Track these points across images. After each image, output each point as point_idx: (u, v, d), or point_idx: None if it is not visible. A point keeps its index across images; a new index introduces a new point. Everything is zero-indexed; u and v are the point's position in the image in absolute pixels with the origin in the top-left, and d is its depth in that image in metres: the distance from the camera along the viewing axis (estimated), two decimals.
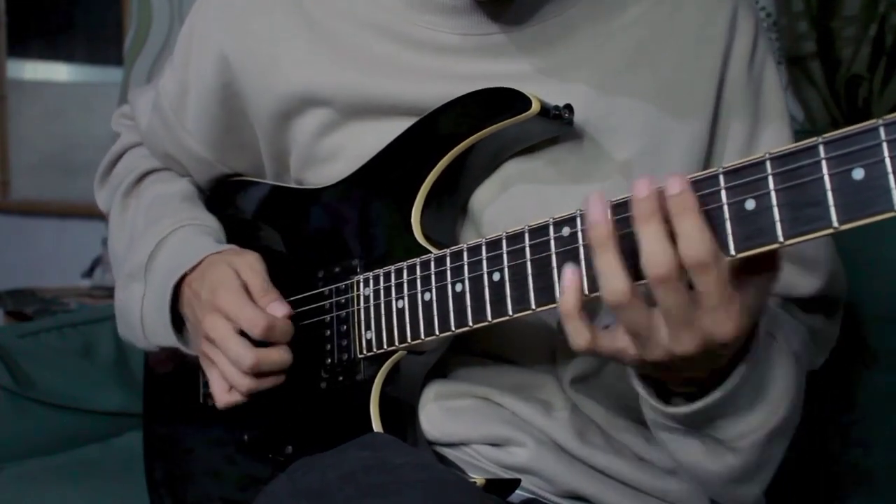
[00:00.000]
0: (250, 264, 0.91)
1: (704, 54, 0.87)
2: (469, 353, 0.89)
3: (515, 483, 0.83)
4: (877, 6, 1.67)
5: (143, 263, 0.97)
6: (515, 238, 0.74)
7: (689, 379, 0.71)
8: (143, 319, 0.97)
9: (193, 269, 0.93)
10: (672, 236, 0.62)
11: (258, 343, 0.87)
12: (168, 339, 0.95)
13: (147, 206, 1.05)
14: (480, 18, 0.86)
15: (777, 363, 0.75)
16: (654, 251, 0.62)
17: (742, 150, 0.87)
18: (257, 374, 0.87)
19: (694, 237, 0.61)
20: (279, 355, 0.88)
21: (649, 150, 0.85)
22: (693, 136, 0.86)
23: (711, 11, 0.88)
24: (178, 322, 0.95)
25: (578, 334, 0.67)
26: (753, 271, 0.64)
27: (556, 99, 0.82)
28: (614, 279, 0.63)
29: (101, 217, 1.17)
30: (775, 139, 0.88)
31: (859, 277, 1.10)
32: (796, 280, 0.91)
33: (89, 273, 2.96)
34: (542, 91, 0.82)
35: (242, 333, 0.87)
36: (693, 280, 0.62)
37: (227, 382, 0.89)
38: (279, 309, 0.88)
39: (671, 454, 0.79)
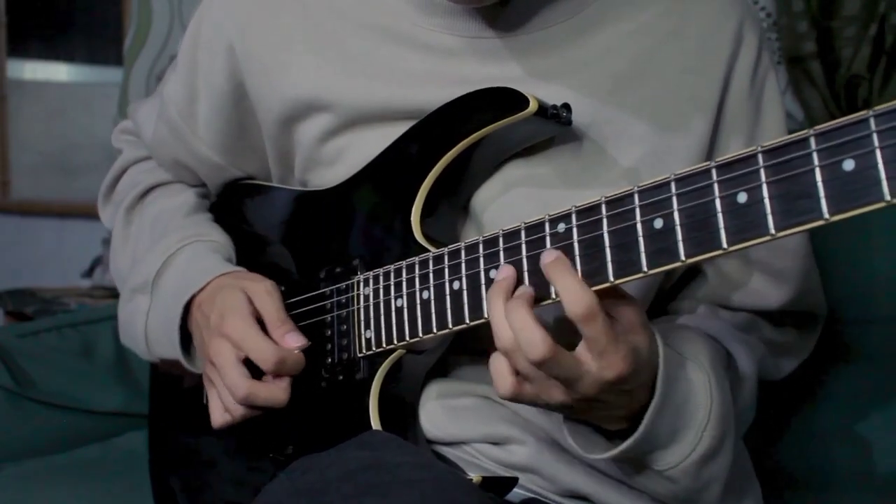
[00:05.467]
0: (267, 291, 0.90)
1: (708, 66, 0.87)
2: (470, 351, 0.89)
3: (513, 481, 0.82)
4: (877, 6, 1.67)
5: (149, 279, 0.97)
6: (512, 235, 0.74)
7: (618, 417, 0.75)
8: (147, 333, 0.97)
9: (202, 289, 0.93)
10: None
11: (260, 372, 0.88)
12: (174, 354, 0.95)
13: (152, 220, 1.05)
14: (480, 22, 0.87)
15: (697, 391, 0.77)
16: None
17: None
18: (251, 405, 0.88)
19: (576, 292, 0.67)
20: (276, 393, 0.87)
21: (652, 157, 0.86)
22: (693, 146, 0.86)
23: (717, 24, 0.88)
24: (185, 339, 0.95)
25: (504, 385, 0.72)
26: (615, 309, 0.70)
27: (558, 101, 0.82)
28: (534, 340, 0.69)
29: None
30: None
31: (839, 280, 1.11)
32: (766, 291, 0.93)
33: (89, 273, 2.96)
34: (543, 94, 0.82)
35: (248, 360, 0.87)
36: (581, 330, 0.68)
37: (222, 404, 0.90)
38: (295, 340, 0.88)
39: (624, 479, 0.85)
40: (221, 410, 0.90)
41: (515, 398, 0.73)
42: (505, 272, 0.72)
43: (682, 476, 0.77)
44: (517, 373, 0.71)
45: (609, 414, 0.75)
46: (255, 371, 0.88)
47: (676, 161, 0.86)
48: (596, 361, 0.69)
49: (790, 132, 0.92)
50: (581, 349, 0.69)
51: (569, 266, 0.69)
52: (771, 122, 0.91)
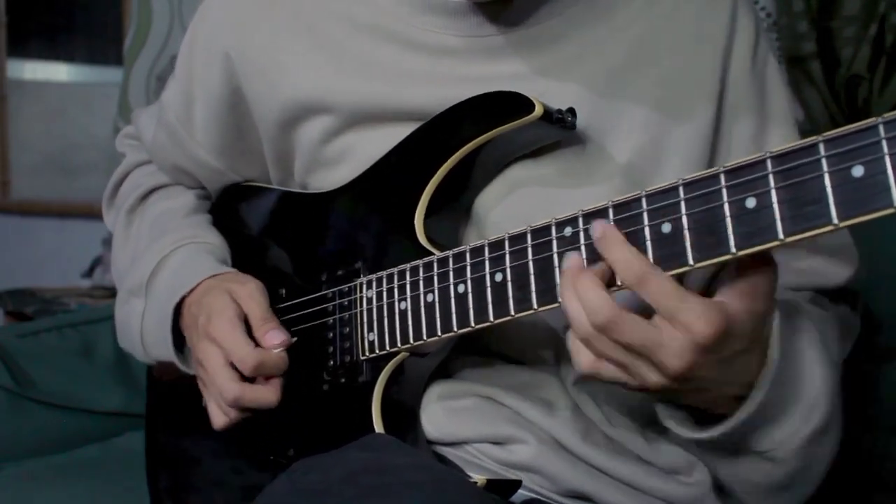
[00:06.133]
0: (251, 293, 0.91)
1: (704, 51, 0.87)
2: (472, 352, 0.89)
3: (517, 484, 0.82)
4: (877, 6, 1.67)
5: (144, 281, 0.98)
6: (518, 239, 0.74)
7: (726, 398, 0.71)
8: (143, 335, 0.98)
9: (192, 291, 0.94)
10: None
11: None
12: (168, 355, 0.96)
13: (151, 222, 1.05)
14: (479, 20, 0.86)
15: (808, 361, 0.74)
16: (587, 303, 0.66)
17: (750, 149, 0.87)
18: (241, 407, 0.88)
19: (625, 260, 0.65)
20: (264, 395, 0.88)
21: (650, 148, 0.85)
22: (695, 134, 0.86)
23: (711, 9, 0.88)
24: (179, 340, 0.95)
25: (584, 359, 0.69)
26: (741, 272, 0.65)
27: (556, 98, 0.82)
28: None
29: (102, 217, 1.18)
30: (781, 141, 0.88)
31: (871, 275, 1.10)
32: (827, 270, 0.91)
33: (89, 273, 2.96)
34: (542, 91, 0.82)
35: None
36: (642, 297, 0.65)
37: (218, 407, 0.91)
38: (276, 337, 0.88)
39: (711, 470, 0.82)
40: (219, 412, 0.91)
41: (595, 374, 0.69)
42: (571, 261, 0.69)
43: (790, 456, 0.74)
44: (598, 356, 0.68)
45: (717, 394, 0.71)
46: None
47: (676, 150, 0.85)
48: (671, 327, 0.65)
49: None
50: (655, 319, 0.66)
51: (618, 238, 0.67)
52: (777, 108, 0.90)
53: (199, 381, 0.93)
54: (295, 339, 0.89)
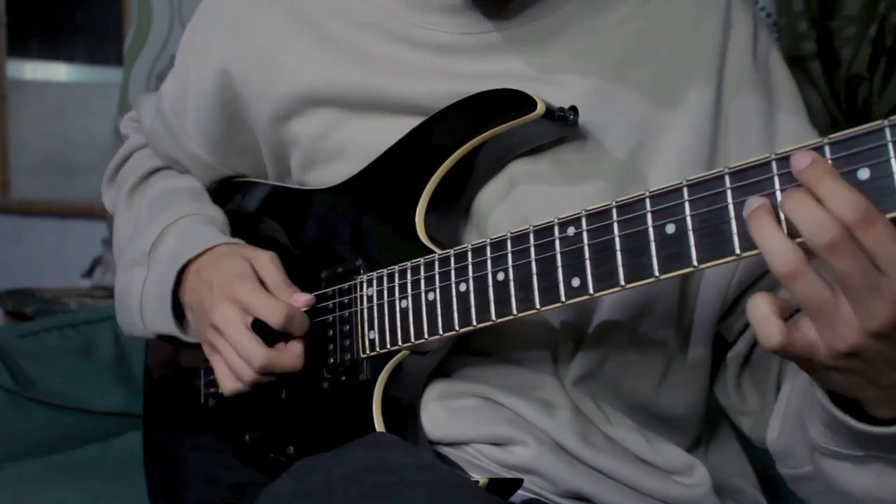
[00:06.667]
0: (271, 259, 0.91)
1: (701, 44, 0.87)
2: (471, 352, 0.89)
3: (518, 483, 0.82)
4: (877, 6, 1.67)
5: (146, 249, 0.98)
6: (520, 238, 0.74)
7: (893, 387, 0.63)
8: (142, 305, 0.97)
9: (199, 256, 0.94)
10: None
11: (272, 335, 0.87)
12: (167, 326, 0.95)
13: (153, 198, 1.05)
14: (477, 17, 0.87)
15: None
16: (816, 218, 0.57)
17: (758, 127, 0.87)
18: (266, 373, 0.88)
19: (846, 195, 0.56)
20: (290, 360, 0.88)
21: (649, 143, 0.85)
22: (694, 125, 0.86)
23: (706, 4, 0.88)
24: (177, 309, 0.95)
25: (772, 333, 0.61)
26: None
27: (555, 95, 0.82)
28: (781, 248, 0.59)
29: (101, 217, 1.18)
30: (793, 126, 0.88)
31: None
32: None
33: (89, 273, 2.96)
34: (541, 88, 0.82)
35: (254, 327, 0.87)
36: (862, 242, 0.57)
37: (232, 372, 0.90)
38: (303, 298, 0.88)
39: (831, 483, 0.74)
40: (232, 378, 0.90)
41: (784, 350, 0.61)
42: (758, 200, 0.61)
43: None
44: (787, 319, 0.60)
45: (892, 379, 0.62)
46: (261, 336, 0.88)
47: (675, 144, 0.85)
48: (884, 276, 0.57)
49: None
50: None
51: (830, 168, 0.57)
52: (784, 94, 0.90)
53: (206, 346, 0.92)
54: (315, 299, 0.89)
